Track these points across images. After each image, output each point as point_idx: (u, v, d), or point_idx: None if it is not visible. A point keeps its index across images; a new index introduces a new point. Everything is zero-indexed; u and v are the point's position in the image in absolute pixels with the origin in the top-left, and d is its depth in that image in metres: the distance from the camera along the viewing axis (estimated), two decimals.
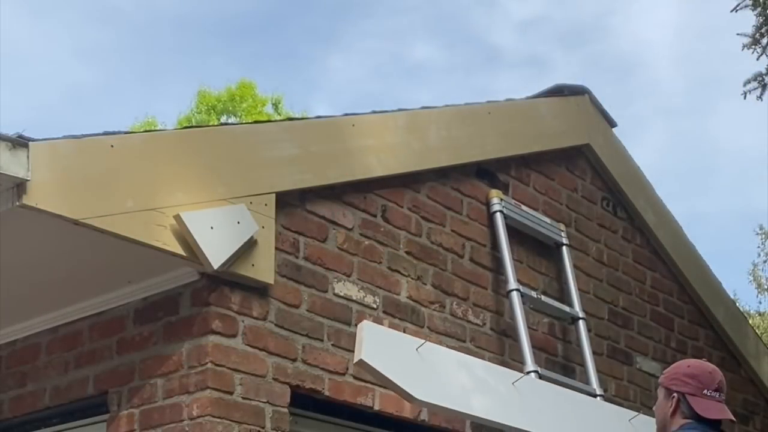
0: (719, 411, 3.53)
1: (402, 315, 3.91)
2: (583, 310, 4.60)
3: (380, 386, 3.74)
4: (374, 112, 3.99)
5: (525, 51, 34.83)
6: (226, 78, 29.29)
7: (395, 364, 3.44)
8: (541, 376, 4.06)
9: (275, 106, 21.86)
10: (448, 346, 4.05)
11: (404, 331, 3.89)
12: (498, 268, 4.36)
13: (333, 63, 32.08)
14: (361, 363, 3.35)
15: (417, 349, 3.48)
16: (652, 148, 30.04)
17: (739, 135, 32.66)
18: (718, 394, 3.57)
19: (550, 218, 4.69)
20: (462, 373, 3.68)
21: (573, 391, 4.17)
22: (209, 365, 3.25)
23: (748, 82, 6.60)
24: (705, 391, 3.55)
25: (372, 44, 33.26)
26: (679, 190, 28.99)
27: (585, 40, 34.60)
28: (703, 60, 32.28)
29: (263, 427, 3.35)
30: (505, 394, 3.77)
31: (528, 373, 4.02)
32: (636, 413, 4.18)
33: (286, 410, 3.44)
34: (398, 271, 3.95)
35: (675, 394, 3.59)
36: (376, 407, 3.72)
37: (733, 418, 3.62)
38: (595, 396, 4.32)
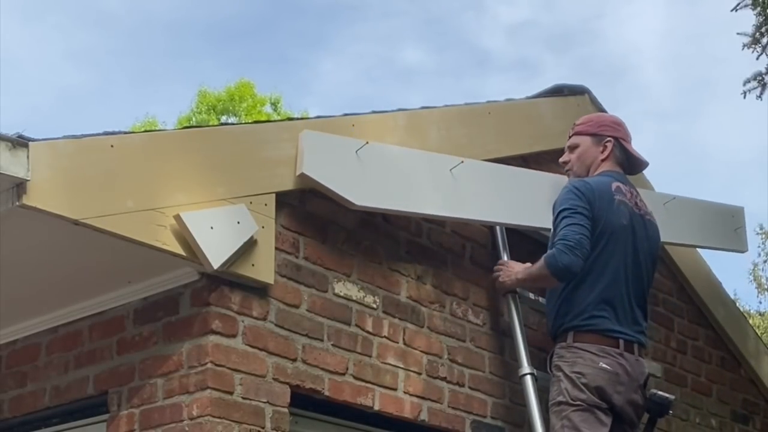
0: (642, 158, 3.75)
1: (402, 315, 3.91)
2: None
3: (380, 386, 3.74)
4: (374, 112, 3.98)
5: (514, 54, 34.98)
6: (217, 81, 29.44)
7: (336, 171, 3.51)
8: (537, 378, 4.05)
9: (274, 105, 21.89)
10: (447, 347, 4.06)
11: (404, 332, 3.90)
12: None
13: (324, 66, 32.18)
14: (303, 176, 3.43)
15: (356, 152, 3.51)
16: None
17: (729, 138, 32.75)
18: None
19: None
20: (402, 170, 3.76)
21: (513, 168, 4.26)
22: (209, 365, 3.25)
23: (747, 81, 6.59)
24: (629, 140, 3.62)
25: (362, 48, 33.37)
26: (669, 193, 29.05)
27: (573, 43, 34.78)
28: (692, 63, 32.43)
29: (263, 428, 3.35)
30: (445, 183, 3.82)
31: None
32: None
33: (286, 410, 3.44)
34: (398, 271, 3.94)
35: (610, 139, 3.57)
36: (376, 407, 3.72)
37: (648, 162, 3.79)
38: None
